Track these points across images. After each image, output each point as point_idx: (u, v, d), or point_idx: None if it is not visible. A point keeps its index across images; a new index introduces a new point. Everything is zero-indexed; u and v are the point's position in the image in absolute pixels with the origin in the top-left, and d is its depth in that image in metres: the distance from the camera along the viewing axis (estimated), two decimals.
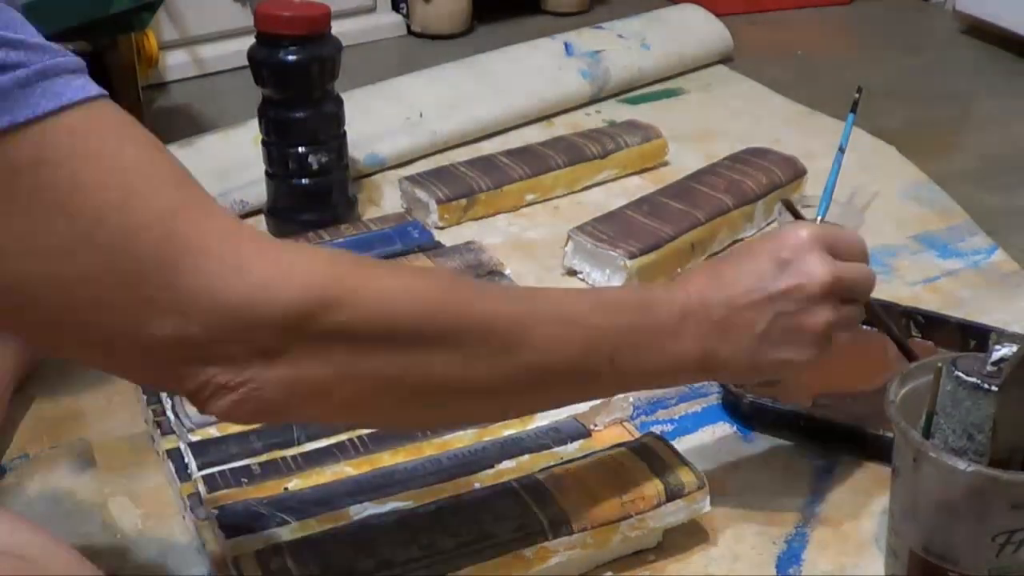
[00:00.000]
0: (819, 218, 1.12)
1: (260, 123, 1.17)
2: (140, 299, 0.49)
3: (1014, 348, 0.66)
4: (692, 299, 0.68)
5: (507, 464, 0.79)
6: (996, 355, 0.67)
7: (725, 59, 1.75)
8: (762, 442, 0.89)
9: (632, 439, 0.82)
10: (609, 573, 0.76)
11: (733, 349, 0.68)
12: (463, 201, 1.22)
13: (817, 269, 0.68)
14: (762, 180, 1.21)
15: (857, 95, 1.20)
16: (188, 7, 1.70)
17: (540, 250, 1.17)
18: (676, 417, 0.92)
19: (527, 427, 0.83)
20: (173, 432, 0.82)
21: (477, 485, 0.76)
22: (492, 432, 0.82)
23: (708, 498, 0.76)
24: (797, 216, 0.81)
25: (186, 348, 0.51)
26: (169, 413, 0.81)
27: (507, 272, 1.00)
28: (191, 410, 0.80)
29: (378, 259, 0.85)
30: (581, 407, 0.84)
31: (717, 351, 0.68)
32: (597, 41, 1.62)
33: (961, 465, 0.65)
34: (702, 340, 0.68)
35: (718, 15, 1.76)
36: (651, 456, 0.77)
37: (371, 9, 1.92)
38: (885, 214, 1.25)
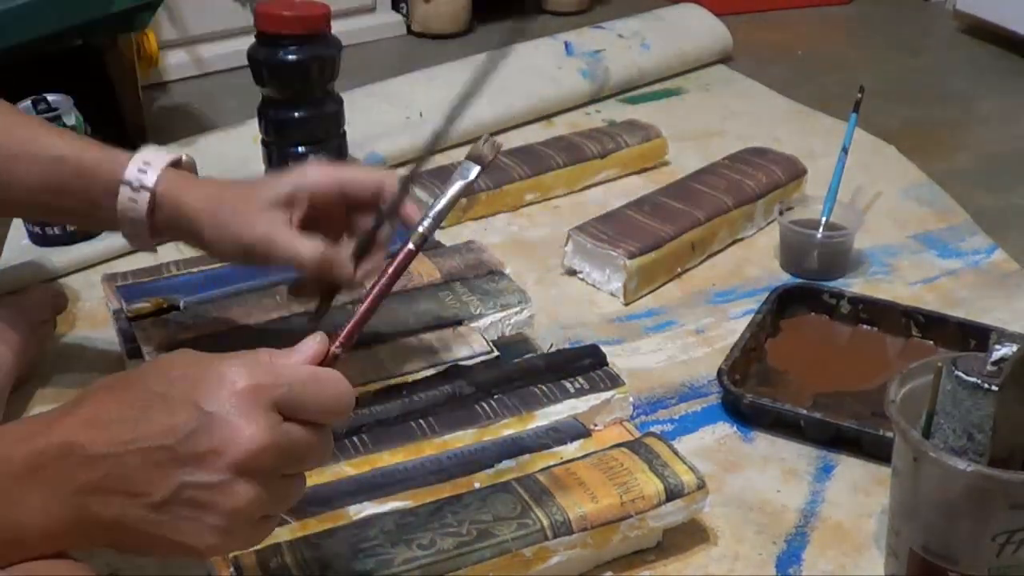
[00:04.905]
0: (824, 219, 1.13)
1: (260, 123, 1.17)
2: None
3: (1014, 348, 0.66)
4: (53, 445, 0.50)
5: (507, 464, 0.79)
6: (996, 355, 0.67)
7: (725, 59, 1.75)
8: (762, 442, 0.89)
9: (632, 439, 0.82)
10: (609, 573, 0.76)
11: (114, 516, 0.50)
12: (463, 201, 1.22)
13: (247, 433, 0.50)
14: (762, 180, 1.21)
15: (859, 95, 1.20)
16: (188, 7, 1.70)
17: (540, 250, 1.17)
18: (676, 417, 0.92)
19: (527, 427, 0.83)
20: None
21: (477, 485, 0.76)
22: (492, 432, 0.82)
23: (708, 498, 0.76)
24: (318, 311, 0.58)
25: None
26: None
27: (507, 272, 1.00)
28: None
29: None
30: (581, 407, 0.84)
31: (92, 513, 0.50)
32: (597, 41, 1.62)
33: (961, 465, 0.65)
34: (66, 500, 0.50)
35: (718, 15, 1.77)
36: (651, 456, 0.77)
37: (371, 9, 1.92)
38: (885, 214, 1.25)
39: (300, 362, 0.55)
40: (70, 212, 0.80)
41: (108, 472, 0.50)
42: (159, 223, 0.76)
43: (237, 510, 0.51)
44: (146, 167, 0.75)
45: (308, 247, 0.75)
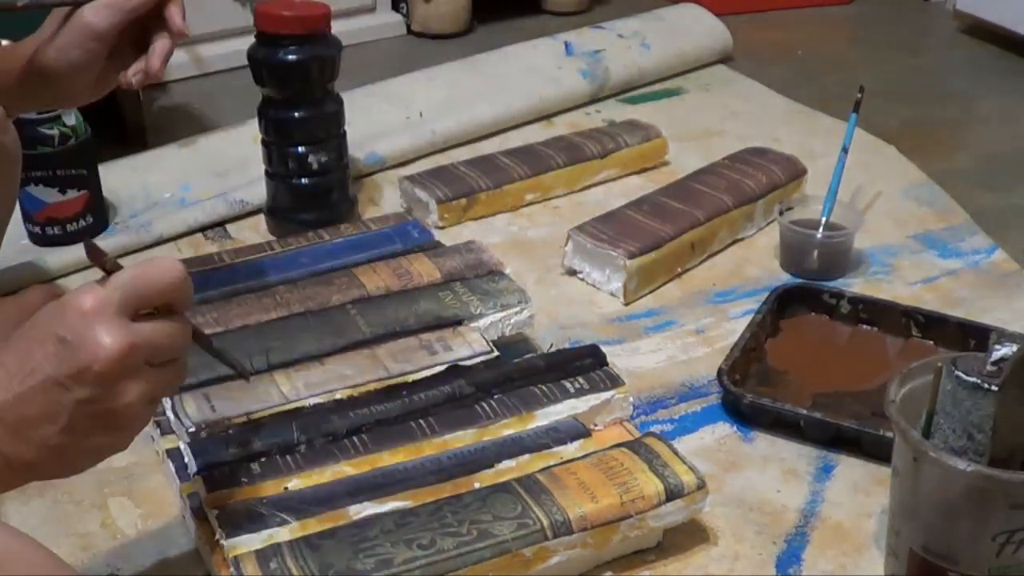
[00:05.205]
0: (824, 219, 1.13)
1: (260, 123, 1.16)
2: None
3: (1014, 348, 0.66)
4: None
5: (507, 464, 0.79)
6: (996, 355, 0.67)
7: (725, 59, 1.75)
8: (762, 442, 0.89)
9: (632, 439, 0.82)
10: (609, 573, 0.76)
11: (38, 449, 0.58)
12: (463, 201, 1.22)
13: (104, 343, 0.56)
14: (762, 180, 1.21)
15: (859, 95, 1.20)
16: (188, 7, 1.68)
17: (540, 250, 1.17)
18: (676, 417, 0.92)
19: (527, 427, 0.83)
20: (173, 432, 0.82)
21: (477, 485, 0.76)
22: (492, 432, 0.82)
23: (708, 498, 0.76)
24: (104, 267, 0.61)
25: None
26: (169, 413, 0.81)
27: (507, 272, 1.00)
28: (191, 410, 0.80)
29: None
30: (581, 406, 0.84)
31: (21, 455, 0.58)
32: (597, 41, 1.62)
33: (961, 465, 0.65)
34: None
35: (718, 15, 1.76)
36: (651, 456, 0.77)
37: (371, 9, 1.92)
38: (885, 214, 1.25)
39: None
40: None
41: (15, 414, 0.57)
42: None
43: (130, 405, 0.58)
44: None
45: None
